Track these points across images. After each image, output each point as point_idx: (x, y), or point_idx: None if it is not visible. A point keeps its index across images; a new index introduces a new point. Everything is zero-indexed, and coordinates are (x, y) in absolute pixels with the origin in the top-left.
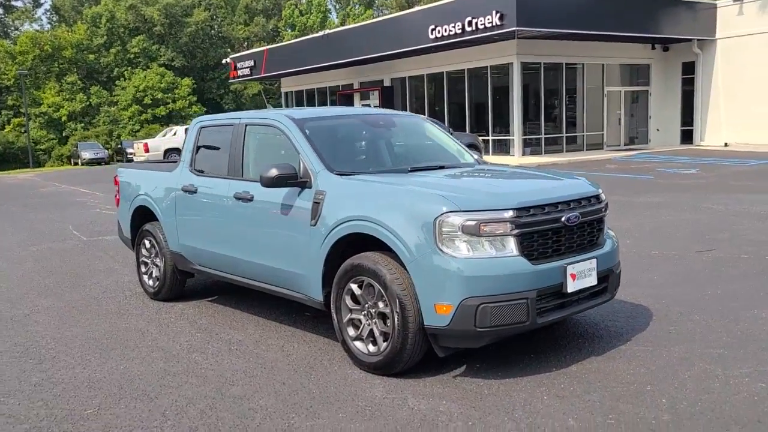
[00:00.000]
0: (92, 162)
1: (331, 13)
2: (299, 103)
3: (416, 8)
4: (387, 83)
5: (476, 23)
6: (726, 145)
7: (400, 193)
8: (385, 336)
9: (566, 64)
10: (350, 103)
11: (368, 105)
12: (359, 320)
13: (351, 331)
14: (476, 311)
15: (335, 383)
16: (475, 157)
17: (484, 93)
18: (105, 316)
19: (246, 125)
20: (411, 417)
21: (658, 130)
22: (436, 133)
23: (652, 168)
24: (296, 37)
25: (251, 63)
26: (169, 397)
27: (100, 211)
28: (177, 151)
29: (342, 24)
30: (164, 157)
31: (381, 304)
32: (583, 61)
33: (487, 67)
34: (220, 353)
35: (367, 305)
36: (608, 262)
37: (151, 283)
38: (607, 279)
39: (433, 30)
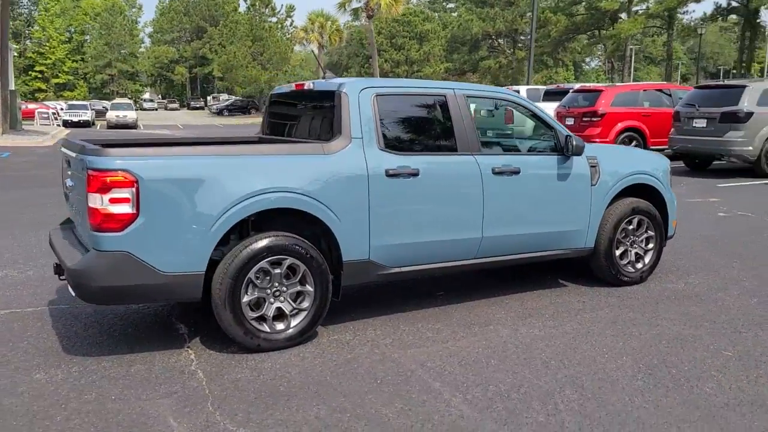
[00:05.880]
0: None
1: None
2: None
3: None
4: None
5: None
6: None
7: (646, 154)
8: (646, 253)
9: None
10: None
11: None
12: (629, 251)
13: (623, 260)
14: None
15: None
16: None
17: None
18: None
19: (466, 96)
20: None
21: None
22: None
23: None
24: None
25: None
26: None
27: None
28: None
29: None
30: None
31: (646, 234)
32: None
33: None
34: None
35: (633, 237)
36: None
37: (280, 326)
38: None
39: None
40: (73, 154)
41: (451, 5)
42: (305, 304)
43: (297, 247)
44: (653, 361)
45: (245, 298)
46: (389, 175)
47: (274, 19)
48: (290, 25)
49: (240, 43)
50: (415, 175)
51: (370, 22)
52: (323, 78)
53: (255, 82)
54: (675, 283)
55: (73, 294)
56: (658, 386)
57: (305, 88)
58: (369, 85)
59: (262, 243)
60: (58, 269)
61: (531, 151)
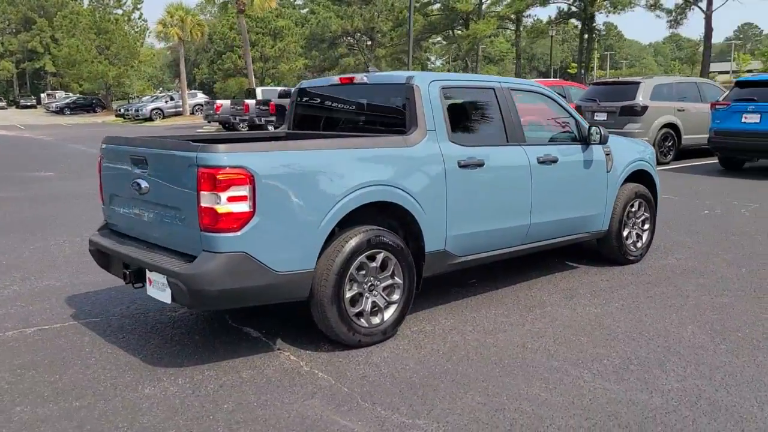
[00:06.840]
0: None
1: None
2: None
3: None
4: None
5: None
6: None
7: (637, 142)
8: (643, 233)
9: None
10: None
11: None
12: (631, 232)
13: (628, 241)
14: None
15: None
16: None
17: None
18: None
19: (510, 90)
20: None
21: None
22: None
23: None
24: None
25: None
26: None
27: None
28: None
29: None
30: None
31: (643, 215)
32: None
33: None
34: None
35: (634, 219)
36: None
37: (376, 320)
38: None
39: None
40: (160, 152)
41: (299, 2)
42: (395, 297)
43: (390, 240)
44: (716, 327)
45: (348, 294)
46: (461, 165)
47: (120, 11)
48: (138, 18)
49: (83, 36)
50: (481, 165)
51: (242, 17)
52: (367, 72)
53: (102, 78)
54: (666, 260)
55: (169, 301)
56: (742, 348)
57: (356, 81)
58: (436, 78)
59: (362, 237)
60: (134, 277)
61: (559, 141)
